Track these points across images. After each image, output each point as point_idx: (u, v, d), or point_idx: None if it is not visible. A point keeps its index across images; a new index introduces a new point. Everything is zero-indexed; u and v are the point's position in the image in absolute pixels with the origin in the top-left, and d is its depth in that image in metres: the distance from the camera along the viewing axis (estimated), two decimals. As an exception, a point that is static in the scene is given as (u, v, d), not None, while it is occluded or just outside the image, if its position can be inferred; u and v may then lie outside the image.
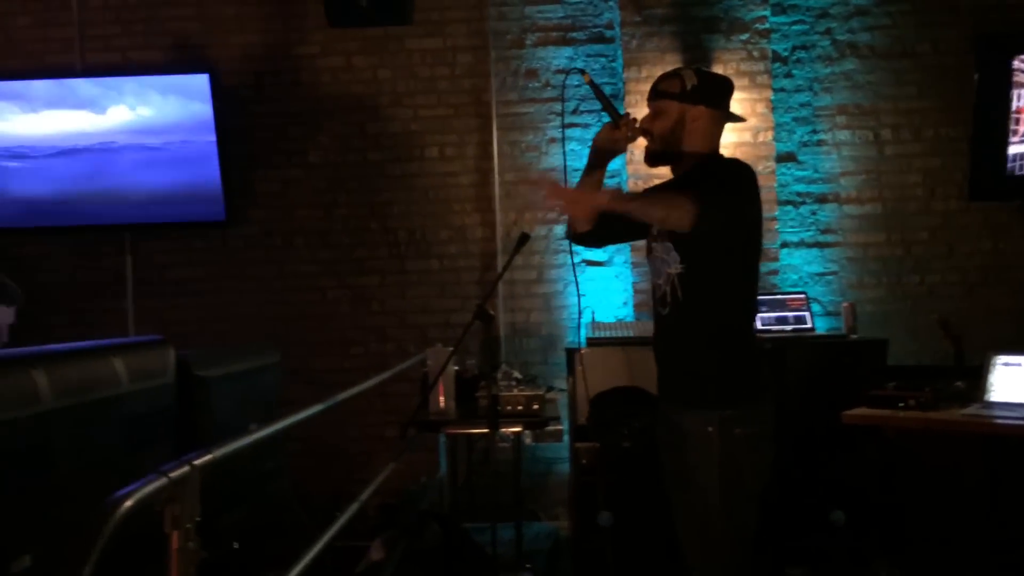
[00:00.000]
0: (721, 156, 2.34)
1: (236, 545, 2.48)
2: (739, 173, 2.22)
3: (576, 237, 2.42)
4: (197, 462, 1.48)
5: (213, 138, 4.64)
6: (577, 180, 2.38)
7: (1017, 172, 4.34)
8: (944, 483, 3.91)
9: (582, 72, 2.33)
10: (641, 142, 2.30)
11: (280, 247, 4.87)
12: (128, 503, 1.31)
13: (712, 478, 2.13)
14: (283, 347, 4.03)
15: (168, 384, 2.31)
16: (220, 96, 4.64)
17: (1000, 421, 2.98)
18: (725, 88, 2.34)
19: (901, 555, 3.39)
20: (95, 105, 4.68)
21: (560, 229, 4.72)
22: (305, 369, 4.63)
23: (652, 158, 2.32)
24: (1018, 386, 3.11)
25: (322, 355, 4.77)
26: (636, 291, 4.50)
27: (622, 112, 2.28)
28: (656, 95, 2.29)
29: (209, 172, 4.66)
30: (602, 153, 2.32)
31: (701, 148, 2.26)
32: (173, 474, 1.42)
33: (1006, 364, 3.18)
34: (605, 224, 2.29)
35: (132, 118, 4.68)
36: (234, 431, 1.96)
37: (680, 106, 2.24)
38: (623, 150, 2.41)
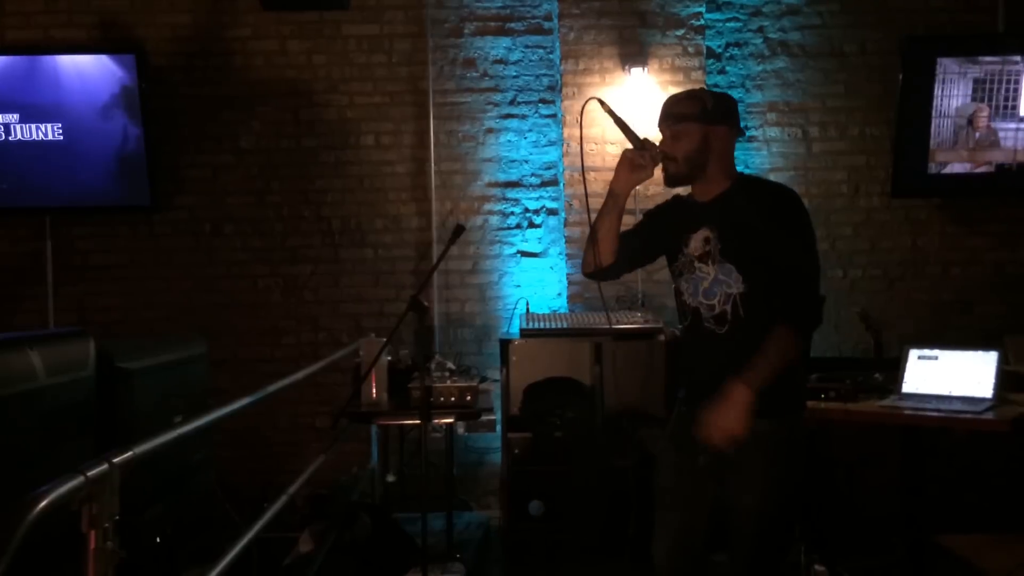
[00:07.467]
0: (753, 176, 2.43)
1: (158, 540, 2.43)
2: (803, 208, 2.28)
3: (598, 273, 2.40)
4: (116, 460, 1.45)
5: (139, 120, 4.51)
6: (595, 228, 2.36)
7: (937, 171, 4.50)
8: (863, 472, 4.07)
9: (600, 100, 2.35)
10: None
11: (209, 234, 4.76)
12: (43, 503, 1.28)
13: (782, 475, 2.22)
14: (212, 336, 3.97)
15: (88, 377, 2.25)
16: (147, 77, 4.50)
17: (910, 412, 3.09)
18: (735, 105, 2.40)
19: (821, 542, 3.50)
20: (15, 83, 4.50)
21: (495, 220, 4.73)
22: (234, 359, 4.56)
23: (674, 180, 2.34)
24: (931, 378, 3.23)
25: (252, 344, 4.69)
26: (570, 282, 4.53)
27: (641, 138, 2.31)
28: (676, 119, 2.30)
29: (134, 155, 4.53)
30: (625, 193, 2.34)
31: (726, 166, 2.33)
32: (91, 473, 1.38)
33: (920, 357, 3.30)
34: (628, 253, 2.37)
35: (54, 97, 4.51)
36: (158, 424, 1.93)
37: (702, 127, 2.27)
38: (644, 179, 2.36)
